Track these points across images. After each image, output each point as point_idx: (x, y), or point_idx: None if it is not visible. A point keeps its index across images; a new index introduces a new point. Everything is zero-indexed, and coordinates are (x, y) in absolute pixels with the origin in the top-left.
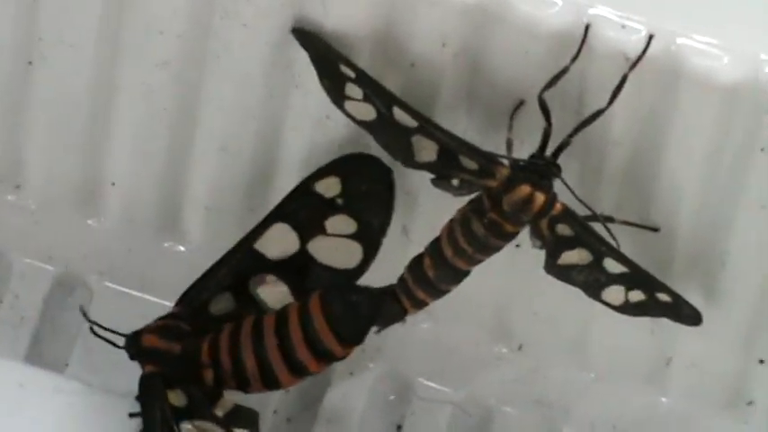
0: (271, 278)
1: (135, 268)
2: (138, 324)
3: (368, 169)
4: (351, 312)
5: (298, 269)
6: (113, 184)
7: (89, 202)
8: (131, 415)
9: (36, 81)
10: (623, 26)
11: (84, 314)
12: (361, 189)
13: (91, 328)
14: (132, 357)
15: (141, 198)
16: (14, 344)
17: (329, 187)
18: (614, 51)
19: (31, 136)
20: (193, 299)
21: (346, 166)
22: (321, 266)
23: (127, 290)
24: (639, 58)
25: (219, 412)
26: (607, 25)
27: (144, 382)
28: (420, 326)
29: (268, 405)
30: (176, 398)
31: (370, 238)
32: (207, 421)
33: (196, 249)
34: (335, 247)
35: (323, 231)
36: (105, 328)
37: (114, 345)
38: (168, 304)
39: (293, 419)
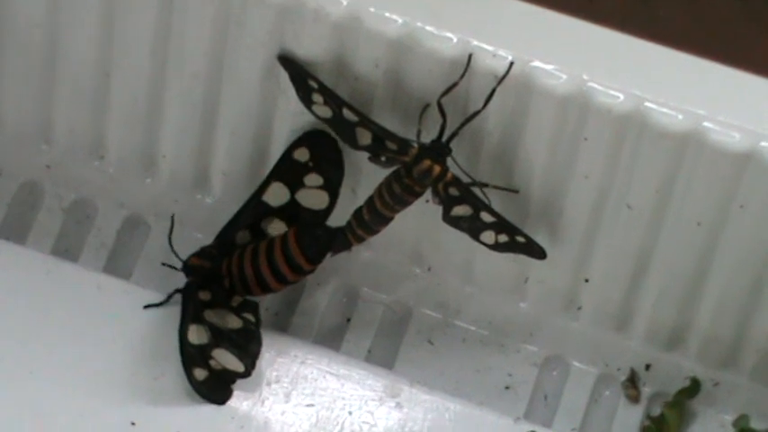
0: (274, 219)
1: (178, 212)
2: (179, 248)
3: (323, 140)
4: (314, 241)
5: (290, 212)
6: (164, 156)
7: (148, 167)
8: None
9: (112, 87)
10: (494, 55)
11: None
12: (322, 154)
13: (162, 263)
14: (185, 274)
15: (181, 165)
16: (96, 260)
17: (302, 154)
18: (488, 72)
19: (110, 124)
20: (225, 234)
21: (309, 138)
22: (304, 209)
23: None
24: (504, 76)
25: (233, 304)
26: (483, 54)
27: (185, 286)
28: (364, 253)
29: (262, 303)
30: (204, 295)
31: (332, 187)
32: (223, 309)
33: (217, 201)
34: (312, 195)
35: (303, 185)
36: (173, 260)
37: (174, 268)
38: (199, 236)
39: (279, 313)
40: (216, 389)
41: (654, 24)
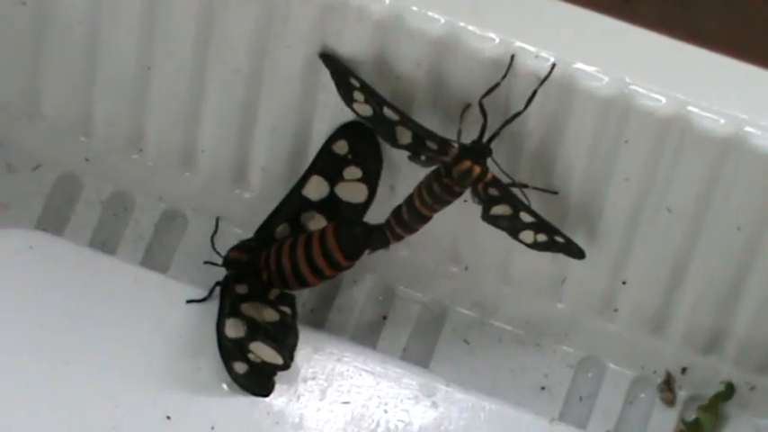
0: (314, 214)
1: (216, 207)
2: (217, 244)
3: (360, 132)
4: (353, 238)
5: (330, 206)
6: (203, 150)
7: (187, 162)
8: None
9: (153, 81)
10: (537, 56)
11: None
12: (360, 145)
13: (204, 262)
14: (225, 267)
15: (221, 160)
16: (134, 253)
17: (341, 147)
18: (530, 73)
19: (150, 117)
20: (265, 228)
21: (347, 130)
22: (344, 203)
23: (210, 220)
24: (546, 78)
25: (271, 297)
26: (526, 55)
27: (224, 280)
28: (401, 251)
29: (299, 299)
30: (242, 288)
31: (371, 180)
32: (259, 302)
33: (256, 195)
34: (351, 189)
35: (342, 179)
36: (214, 257)
37: (215, 264)
38: (237, 231)
39: (315, 310)
40: (257, 382)
41: (692, 27)
